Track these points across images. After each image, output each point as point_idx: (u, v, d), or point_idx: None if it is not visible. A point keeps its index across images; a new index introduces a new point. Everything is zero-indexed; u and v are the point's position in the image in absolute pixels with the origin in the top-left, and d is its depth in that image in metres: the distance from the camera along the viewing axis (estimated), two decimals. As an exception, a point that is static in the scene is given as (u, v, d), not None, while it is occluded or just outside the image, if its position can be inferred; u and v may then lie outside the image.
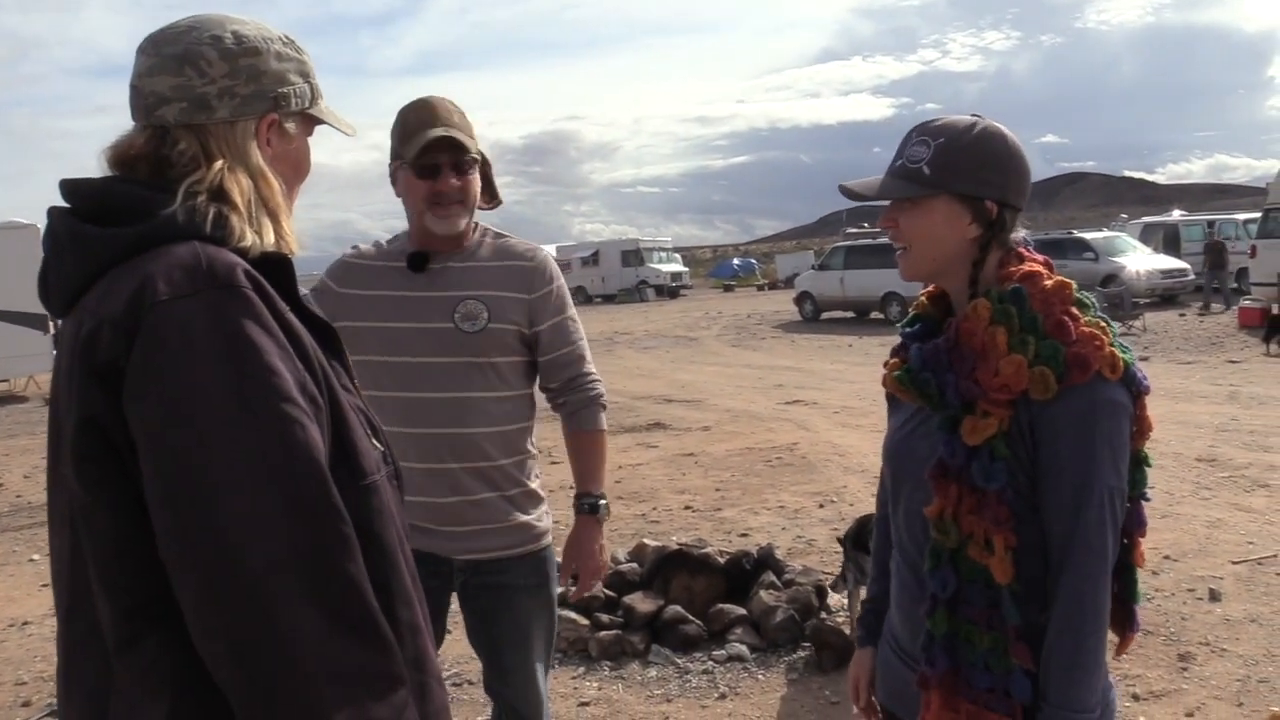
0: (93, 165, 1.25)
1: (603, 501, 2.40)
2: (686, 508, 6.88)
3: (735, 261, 55.70)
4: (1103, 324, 1.51)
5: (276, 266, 1.21)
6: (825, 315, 23.24)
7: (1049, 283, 1.52)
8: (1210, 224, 24.18)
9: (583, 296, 40.28)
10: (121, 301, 1.09)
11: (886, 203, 1.63)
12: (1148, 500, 1.59)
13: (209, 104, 1.23)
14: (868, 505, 6.56)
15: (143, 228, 1.15)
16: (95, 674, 1.13)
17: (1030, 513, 1.49)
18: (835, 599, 4.58)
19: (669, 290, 39.05)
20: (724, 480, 7.66)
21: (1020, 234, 1.62)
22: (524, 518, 2.34)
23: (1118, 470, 1.47)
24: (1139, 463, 1.55)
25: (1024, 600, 1.49)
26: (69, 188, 1.21)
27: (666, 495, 7.25)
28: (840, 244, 24.77)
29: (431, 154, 2.19)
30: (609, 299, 39.07)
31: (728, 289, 44.97)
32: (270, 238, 1.22)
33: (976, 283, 1.57)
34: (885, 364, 1.69)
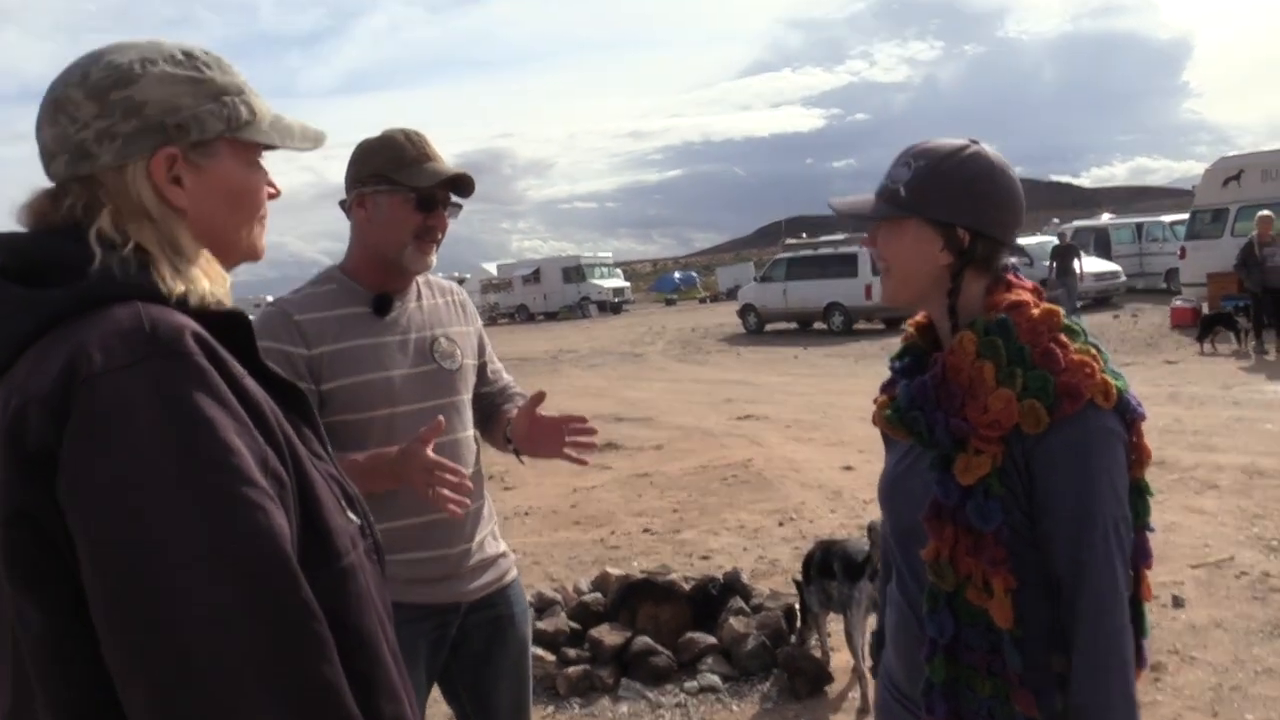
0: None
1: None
2: (645, 530, 6.75)
3: (676, 275, 55.86)
4: (1094, 350, 1.45)
5: (231, 325, 1.08)
6: (769, 327, 23.34)
7: (1036, 311, 1.46)
8: (1067, 233, 23.19)
9: (525, 315, 40.03)
10: (51, 376, 0.95)
11: (855, 219, 1.62)
12: (1151, 530, 1.52)
13: (88, 151, 1.08)
14: (827, 522, 6.51)
15: (75, 288, 1.01)
16: None
17: (1029, 551, 1.42)
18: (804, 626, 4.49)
19: (612, 306, 38.92)
20: (681, 501, 7.55)
21: (1009, 261, 1.57)
22: (503, 547, 2.33)
23: (1119, 498, 1.41)
24: (1140, 492, 1.49)
25: (1026, 643, 1.42)
26: None
27: (624, 518, 7.12)
28: (782, 256, 24.85)
29: (441, 188, 2.14)
30: (551, 316, 38.89)
31: (670, 303, 45.06)
32: (204, 285, 1.08)
33: (955, 312, 1.52)
34: (875, 400, 1.63)
